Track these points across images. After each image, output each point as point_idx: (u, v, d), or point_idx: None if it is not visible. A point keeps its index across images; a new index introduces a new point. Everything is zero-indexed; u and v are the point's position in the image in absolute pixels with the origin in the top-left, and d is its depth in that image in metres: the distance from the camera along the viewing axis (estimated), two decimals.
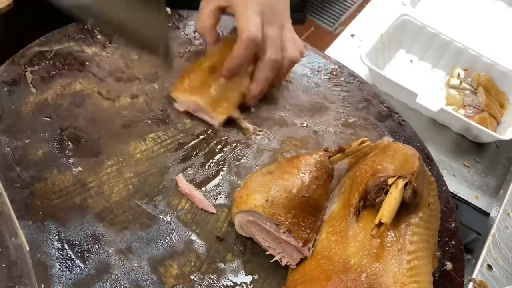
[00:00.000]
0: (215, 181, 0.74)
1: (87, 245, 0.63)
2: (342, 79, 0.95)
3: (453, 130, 1.18)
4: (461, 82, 1.25)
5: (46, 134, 0.72)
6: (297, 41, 0.83)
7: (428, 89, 1.27)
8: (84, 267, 0.61)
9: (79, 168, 0.70)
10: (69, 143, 0.72)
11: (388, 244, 0.62)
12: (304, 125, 0.85)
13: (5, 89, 0.74)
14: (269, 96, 0.86)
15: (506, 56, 1.30)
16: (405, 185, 0.64)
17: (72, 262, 0.61)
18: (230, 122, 0.81)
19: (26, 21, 0.95)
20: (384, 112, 0.92)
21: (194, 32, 0.92)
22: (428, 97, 1.18)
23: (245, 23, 0.75)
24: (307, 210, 0.65)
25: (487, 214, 1.01)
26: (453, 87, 1.26)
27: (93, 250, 0.63)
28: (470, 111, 1.19)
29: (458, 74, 1.26)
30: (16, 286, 0.54)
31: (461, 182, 1.08)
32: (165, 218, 0.68)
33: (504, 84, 1.24)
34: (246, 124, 0.81)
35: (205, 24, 0.81)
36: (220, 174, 0.75)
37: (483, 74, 1.25)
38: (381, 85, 1.18)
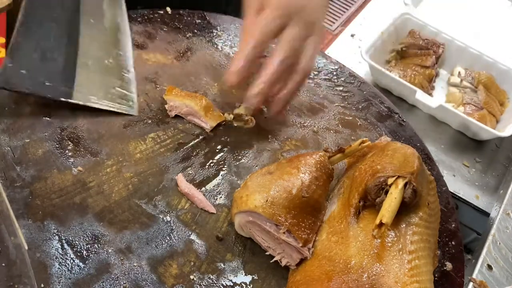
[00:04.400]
0: (215, 181, 0.74)
1: (86, 244, 0.63)
2: (342, 79, 0.95)
3: (452, 127, 1.18)
4: (461, 80, 1.25)
5: (46, 134, 0.72)
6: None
7: None
8: (84, 267, 0.61)
9: (79, 168, 0.70)
10: (69, 142, 0.72)
11: (389, 244, 0.62)
12: (304, 125, 0.85)
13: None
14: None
15: (506, 54, 1.30)
16: (405, 184, 0.64)
17: (72, 261, 0.61)
18: (230, 122, 0.81)
19: None
20: (384, 112, 0.92)
21: (193, 32, 0.92)
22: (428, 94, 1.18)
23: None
24: (307, 211, 0.65)
25: (487, 214, 1.01)
26: (454, 85, 1.27)
27: (93, 250, 0.63)
28: (470, 109, 1.19)
29: (459, 72, 1.26)
30: (16, 286, 0.54)
31: (461, 182, 1.08)
32: (165, 218, 0.68)
33: (504, 83, 1.25)
34: (242, 109, 0.78)
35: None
36: (220, 174, 0.75)
37: (483, 72, 1.25)
38: (381, 81, 1.18)
